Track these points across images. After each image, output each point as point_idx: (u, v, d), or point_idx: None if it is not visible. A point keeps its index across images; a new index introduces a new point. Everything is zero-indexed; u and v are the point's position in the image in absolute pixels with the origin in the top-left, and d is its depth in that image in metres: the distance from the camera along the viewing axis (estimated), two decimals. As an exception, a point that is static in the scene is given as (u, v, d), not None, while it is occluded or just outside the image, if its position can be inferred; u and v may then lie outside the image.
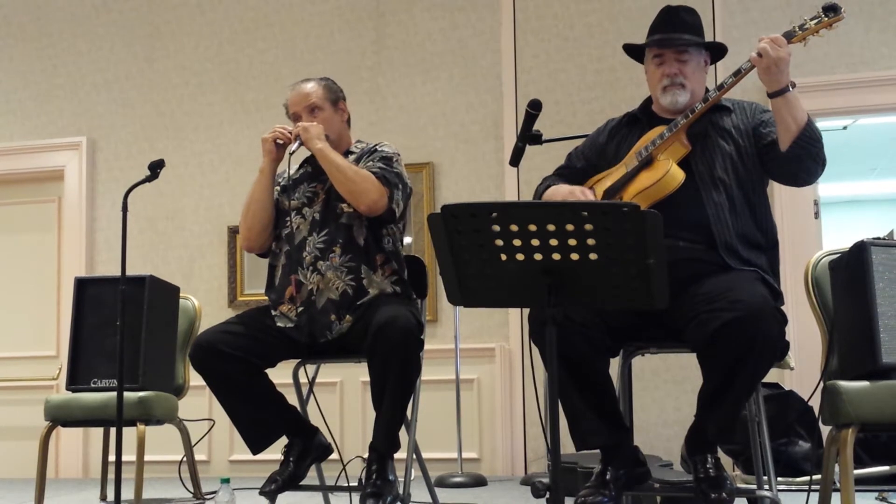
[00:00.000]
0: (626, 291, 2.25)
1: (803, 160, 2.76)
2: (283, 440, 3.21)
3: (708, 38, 3.07)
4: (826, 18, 2.79)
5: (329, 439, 3.23)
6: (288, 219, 3.26)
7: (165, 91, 6.06)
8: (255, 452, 3.15)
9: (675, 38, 2.92)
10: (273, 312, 3.21)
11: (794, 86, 2.74)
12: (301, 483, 3.16)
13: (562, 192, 2.98)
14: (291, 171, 3.29)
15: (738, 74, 2.80)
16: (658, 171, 2.82)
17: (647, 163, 2.87)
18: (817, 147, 2.76)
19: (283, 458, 3.17)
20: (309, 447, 3.18)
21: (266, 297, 3.29)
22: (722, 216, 2.78)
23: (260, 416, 3.13)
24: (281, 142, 3.25)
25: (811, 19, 2.81)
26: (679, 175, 2.80)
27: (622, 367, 3.01)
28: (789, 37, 2.82)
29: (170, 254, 5.93)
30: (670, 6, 3.00)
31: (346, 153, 3.32)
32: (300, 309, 3.14)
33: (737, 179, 2.83)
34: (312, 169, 3.31)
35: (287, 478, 3.10)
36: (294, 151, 3.20)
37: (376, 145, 3.32)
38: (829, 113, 5.29)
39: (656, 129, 2.92)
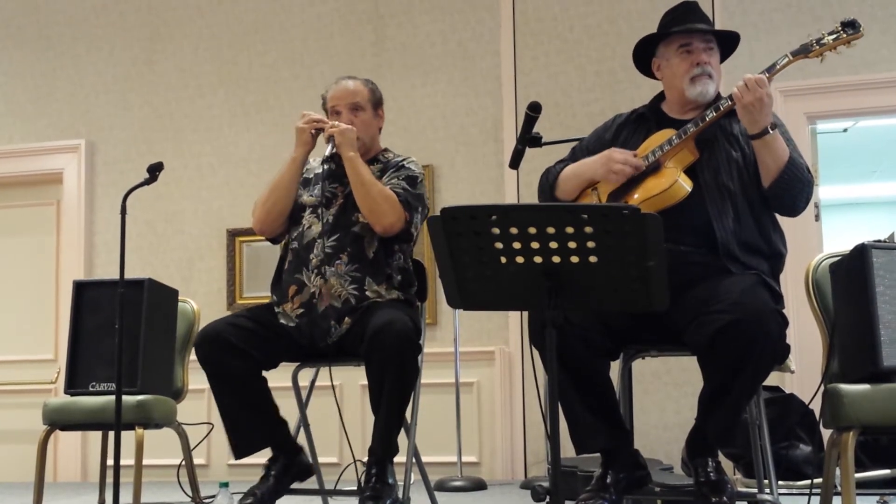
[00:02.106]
0: (626, 294, 2.24)
1: (783, 199, 2.79)
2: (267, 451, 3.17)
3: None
4: (845, 35, 2.77)
5: (335, 443, 3.22)
6: (303, 215, 3.24)
7: (164, 93, 6.06)
8: (237, 457, 3.09)
9: (705, 27, 2.91)
10: (276, 310, 3.19)
11: (774, 127, 2.73)
12: (301, 487, 3.14)
13: (591, 160, 2.93)
14: (313, 164, 3.29)
15: (733, 100, 2.78)
16: (666, 180, 2.79)
17: (653, 168, 2.84)
18: (798, 186, 2.77)
19: (264, 471, 3.11)
20: (291, 464, 3.13)
21: (270, 294, 3.27)
22: (726, 224, 2.77)
23: (252, 421, 3.08)
24: (314, 132, 3.21)
25: (829, 34, 2.78)
26: (687, 185, 2.78)
27: (622, 370, 3.00)
28: (806, 51, 2.80)
29: (168, 257, 5.92)
30: (688, 1, 2.98)
31: (374, 160, 3.30)
32: (300, 310, 3.13)
33: (742, 187, 2.81)
34: (336, 168, 3.24)
35: (266, 492, 3.04)
36: (330, 154, 3.16)
37: (404, 161, 3.29)
38: (830, 115, 5.29)
39: (664, 132, 2.88)
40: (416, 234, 3.23)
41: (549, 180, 3.03)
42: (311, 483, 3.28)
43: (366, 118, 3.27)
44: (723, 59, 3.00)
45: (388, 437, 2.96)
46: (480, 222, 2.14)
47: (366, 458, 3.01)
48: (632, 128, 3.01)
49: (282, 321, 3.16)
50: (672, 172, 2.80)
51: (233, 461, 5.50)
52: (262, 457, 3.16)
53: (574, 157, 3.09)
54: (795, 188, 2.76)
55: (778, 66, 2.81)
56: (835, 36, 2.77)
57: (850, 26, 2.76)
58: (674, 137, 2.83)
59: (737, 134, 2.88)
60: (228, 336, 3.01)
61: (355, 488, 2.99)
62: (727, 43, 3.00)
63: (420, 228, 3.27)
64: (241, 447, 3.09)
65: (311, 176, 3.29)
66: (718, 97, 2.91)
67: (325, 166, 3.26)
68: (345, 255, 3.13)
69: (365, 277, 3.12)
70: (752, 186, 2.82)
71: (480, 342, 5.41)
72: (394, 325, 2.87)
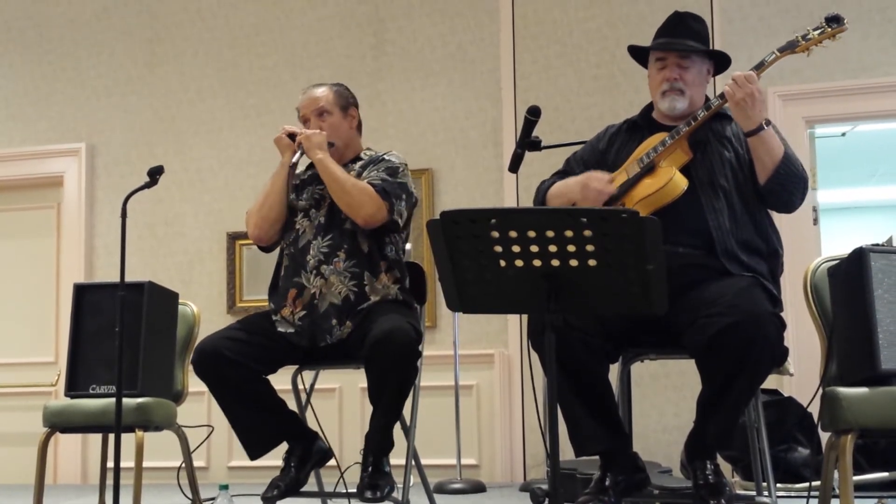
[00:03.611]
0: (625, 297, 2.25)
1: (780, 195, 2.82)
2: (282, 446, 3.21)
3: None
4: (829, 29, 2.81)
5: (335, 445, 3.24)
6: (294, 220, 3.27)
7: (165, 97, 6.07)
8: (253, 458, 3.15)
9: (679, 43, 2.93)
10: (274, 317, 3.21)
11: (768, 123, 2.77)
12: (300, 489, 3.16)
13: (572, 183, 2.96)
14: (299, 171, 3.33)
15: (724, 98, 2.81)
16: (661, 178, 2.82)
17: (648, 169, 2.87)
18: (794, 182, 2.80)
19: (283, 463, 3.16)
20: (309, 452, 3.19)
21: (267, 301, 3.29)
22: (722, 222, 2.79)
23: (260, 421, 3.14)
24: (291, 139, 3.25)
25: (814, 29, 2.83)
26: (682, 183, 2.81)
27: (621, 373, 3.01)
28: (792, 46, 2.84)
29: (169, 260, 5.92)
30: (679, 11, 3.01)
31: (355, 160, 3.33)
32: (302, 312, 3.15)
33: (737, 186, 2.85)
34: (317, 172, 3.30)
35: (289, 483, 3.10)
36: (296, 161, 3.22)
37: (384, 154, 3.32)
38: (828, 119, 5.30)
39: (657, 135, 2.92)
40: (401, 222, 3.24)
41: (537, 198, 3.07)
42: (311, 486, 3.29)
43: (333, 121, 3.31)
44: (719, 72, 3.03)
45: (385, 431, 3.02)
46: (480, 226, 2.15)
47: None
48: (625, 137, 3.05)
49: (280, 329, 3.18)
50: (667, 171, 2.83)
51: (233, 463, 5.52)
52: (263, 459, 3.18)
53: (568, 168, 3.13)
54: (791, 183, 2.79)
55: (766, 63, 2.86)
56: (819, 31, 2.82)
57: (834, 20, 2.83)
58: (667, 138, 2.88)
59: (728, 136, 2.92)
60: (224, 350, 3.05)
61: (355, 490, 3.01)
62: (720, 56, 3.04)
63: (408, 218, 3.28)
64: (254, 448, 3.15)
65: (298, 182, 3.34)
66: (707, 100, 2.94)
67: (309, 171, 3.32)
68: (342, 253, 3.17)
69: (363, 272, 3.15)
70: (746, 186, 2.85)
71: (480, 345, 5.42)
72: (396, 335, 2.90)
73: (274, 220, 3.29)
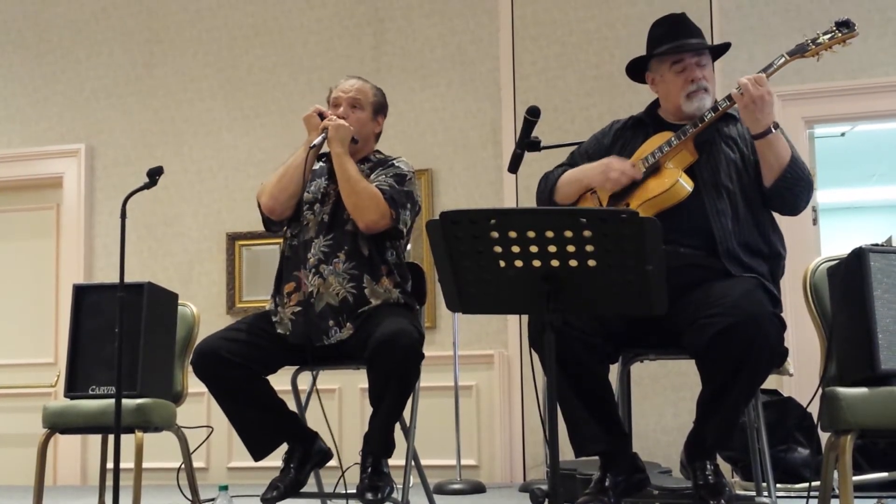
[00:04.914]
0: (624, 298, 2.25)
1: (785, 198, 2.82)
2: (283, 447, 3.21)
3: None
4: (840, 34, 2.80)
5: (335, 445, 3.24)
6: (302, 210, 3.24)
7: (164, 98, 6.07)
8: (257, 459, 3.14)
9: (695, 42, 2.92)
10: (273, 318, 3.21)
11: (777, 126, 2.76)
12: (300, 490, 3.16)
13: (589, 168, 2.94)
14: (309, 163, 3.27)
15: (731, 100, 2.80)
16: (667, 181, 2.81)
17: (654, 170, 2.86)
18: (800, 185, 2.80)
19: (283, 464, 3.16)
20: (309, 453, 3.18)
21: (270, 299, 3.28)
22: (724, 223, 2.79)
23: (262, 422, 3.13)
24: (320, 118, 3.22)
25: (824, 34, 2.81)
26: (688, 185, 2.80)
27: (621, 374, 3.01)
28: (802, 51, 2.82)
29: (168, 260, 5.92)
30: (675, 14, 2.99)
31: (364, 160, 3.31)
32: (297, 308, 3.14)
33: (740, 187, 2.84)
34: (330, 166, 3.27)
35: (289, 484, 3.09)
36: (316, 145, 3.17)
37: (394, 159, 3.31)
38: (828, 119, 5.31)
39: (662, 134, 2.90)
40: (405, 230, 3.23)
41: (547, 185, 3.05)
42: (311, 486, 3.29)
43: (361, 117, 3.29)
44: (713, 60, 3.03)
45: (386, 433, 3.01)
46: (479, 226, 2.15)
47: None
48: (630, 133, 3.03)
49: (279, 331, 3.17)
50: (673, 173, 2.82)
51: (232, 464, 5.52)
52: (263, 460, 3.18)
53: (573, 161, 3.11)
54: (798, 187, 2.79)
55: (775, 66, 2.84)
56: (830, 35, 2.80)
57: (845, 25, 2.81)
58: (673, 139, 2.85)
59: (734, 136, 2.90)
60: (223, 352, 3.04)
61: (355, 491, 3.00)
62: (718, 48, 3.04)
63: (411, 226, 3.27)
64: (258, 449, 3.15)
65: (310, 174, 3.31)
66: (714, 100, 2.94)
67: (320, 164, 3.29)
68: (342, 254, 3.15)
69: (363, 275, 3.14)
70: (750, 187, 2.84)
71: (479, 346, 5.42)
72: (400, 338, 2.89)
73: (291, 194, 3.22)
